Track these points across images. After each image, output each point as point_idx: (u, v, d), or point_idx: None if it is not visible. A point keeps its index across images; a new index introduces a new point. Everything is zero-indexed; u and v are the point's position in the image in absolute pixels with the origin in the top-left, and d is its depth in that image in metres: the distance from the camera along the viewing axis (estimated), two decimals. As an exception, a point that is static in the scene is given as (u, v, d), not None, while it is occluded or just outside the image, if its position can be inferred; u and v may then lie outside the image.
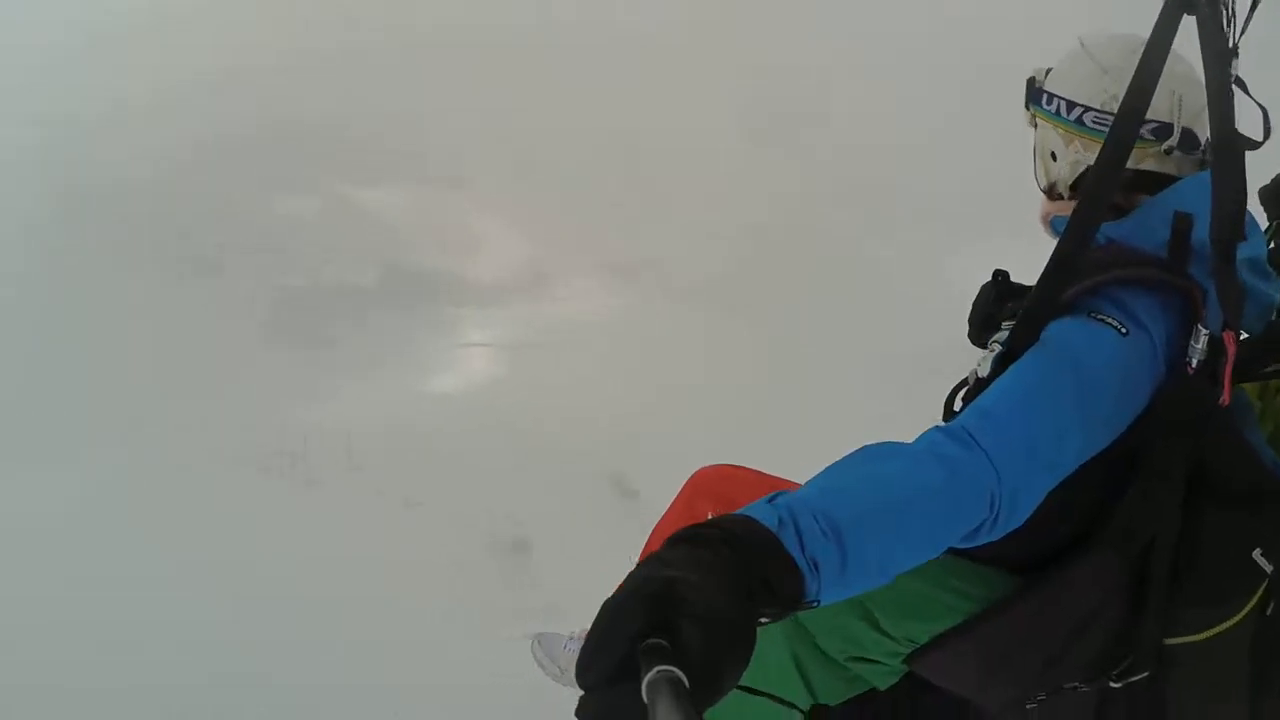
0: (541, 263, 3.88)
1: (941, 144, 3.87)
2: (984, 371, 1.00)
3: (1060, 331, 0.88)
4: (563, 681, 1.85)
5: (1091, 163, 1.05)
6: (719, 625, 0.63)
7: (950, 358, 1.36)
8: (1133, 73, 0.93)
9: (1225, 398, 0.81)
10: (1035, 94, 1.28)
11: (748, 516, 0.74)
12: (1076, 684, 0.90)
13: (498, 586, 2.36)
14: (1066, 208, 1.18)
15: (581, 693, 0.66)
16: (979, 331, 1.23)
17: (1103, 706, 0.93)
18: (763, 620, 0.70)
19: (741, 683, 0.74)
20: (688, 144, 4.23)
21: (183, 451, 2.64)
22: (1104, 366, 0.85)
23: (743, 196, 3.99)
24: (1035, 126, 1.31)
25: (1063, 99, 1.22)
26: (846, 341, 3.17)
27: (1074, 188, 1.21)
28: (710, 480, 1.58)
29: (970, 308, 1.28)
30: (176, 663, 2.00)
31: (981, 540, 0.78)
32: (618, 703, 0.62)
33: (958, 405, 1.09)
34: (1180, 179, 1.08)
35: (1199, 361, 0.83)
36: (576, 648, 1.73)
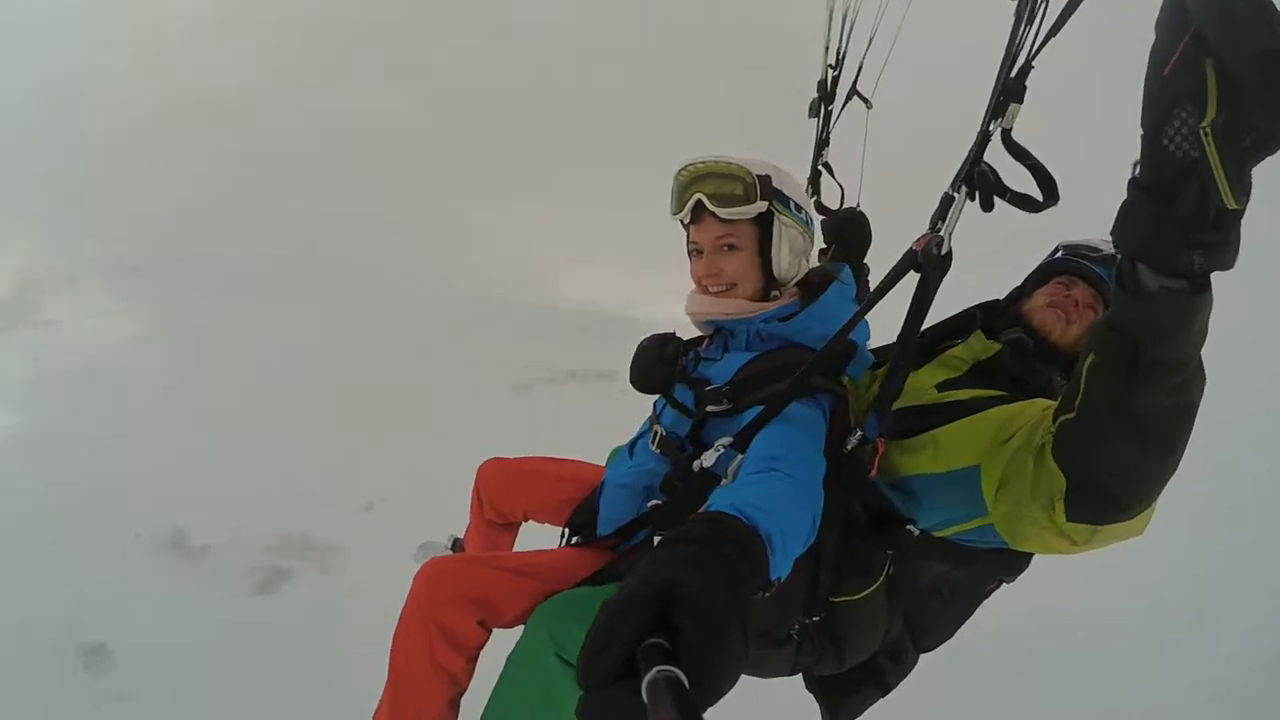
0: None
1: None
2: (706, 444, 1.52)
3: (790, 414, 1.39)
4: None
5: (808, 255, 1.69)
6: (720, 625, 0.74)
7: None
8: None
9: (873, 473, 1.35)
10: (782, 196, 1.59)
11: (720, 511, 0.99)
12: (794, 623, 1.53)
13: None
14: (755, 310, 1.62)
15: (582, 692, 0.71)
16: (650, 382, 1.76)
17: (804, 638, 1.55)
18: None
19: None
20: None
21: None
22: (817, 430, 1.40)
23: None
24: (764, 221, 1.59)
25: (806, 209, 1.63)
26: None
27: (799, 284, 1.68)
28: (491, 472, 2.09)
29: (637, 358, 1.78)
30: None
31: (814, 536, 1.16)
32: (618, 702, 0.69)
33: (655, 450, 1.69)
34: (829, 279, 1.67)
35: (852, 448, 1.37)
36: None
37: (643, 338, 1.79)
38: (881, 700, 1.75)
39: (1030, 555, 1.50)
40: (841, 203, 2.22)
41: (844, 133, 2.15)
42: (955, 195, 1.25)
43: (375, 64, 7.80)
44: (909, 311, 1.32)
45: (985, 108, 1.19)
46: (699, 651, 0.71)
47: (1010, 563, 1.53)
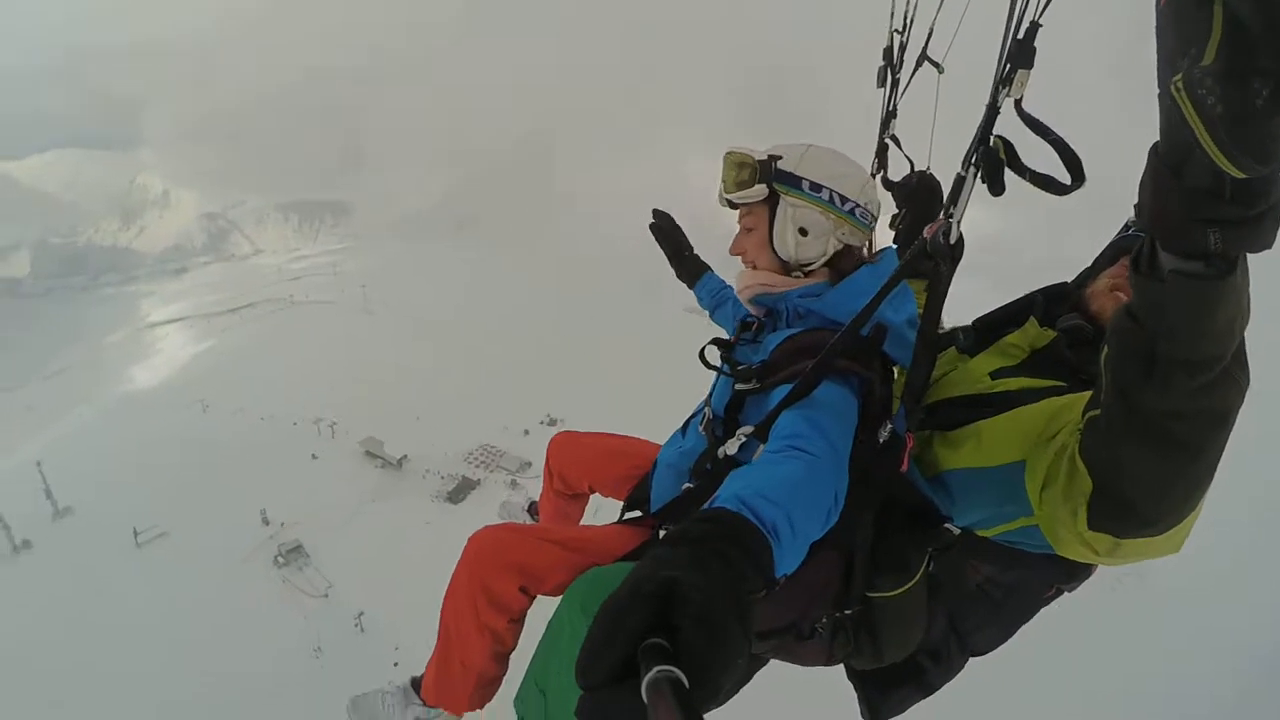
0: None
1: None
2: (718, 408, 1.68)
3: (826, 390, 1.37)
4: None
5: (849, 242, 1.65)
6: (720, 625, 0.73)
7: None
8: (872, 186, 1.64)
9: (904, 467, 1.34)
10: (789, 178, 1.61)
11: (722, 509, 0.99)
12: (823, 616, 1.51)
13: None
14: (785, 282, 1.67)
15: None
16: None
17: (837, 631, 1.53)
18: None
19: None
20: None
21: None
22: (845, 411, 1.36)
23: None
24: (771, 206, 1.63)
25: (835, 191, 1.60)
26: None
27: (829, 264, 1.66)
28: (561, 446, 2.16)
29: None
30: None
31: (834, 519, 1.15)
32: (618, 702, 0.68)
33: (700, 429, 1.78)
34: (862, 262, 1.67)
35: (884, 441, 1.36)
36: (396, 698, 1.85)
37: None
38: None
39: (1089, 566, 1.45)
40: (911, 171, 2.20)
41: (916, 97, 2.05)
42: (965, 175, 1.17)
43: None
44: (925, 304, 1.29)
45: (993, 77, 1.08)
46: (699, 652, 0.71)
47: (1067, 569, 1.45)
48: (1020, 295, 1.66)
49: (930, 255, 1.23)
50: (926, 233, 1.23)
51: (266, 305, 68.91)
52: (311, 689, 23.43)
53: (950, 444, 1.39)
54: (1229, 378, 0.87)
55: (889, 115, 2.13)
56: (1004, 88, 1.08)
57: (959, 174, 1.19)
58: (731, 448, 1.50)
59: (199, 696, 23.13)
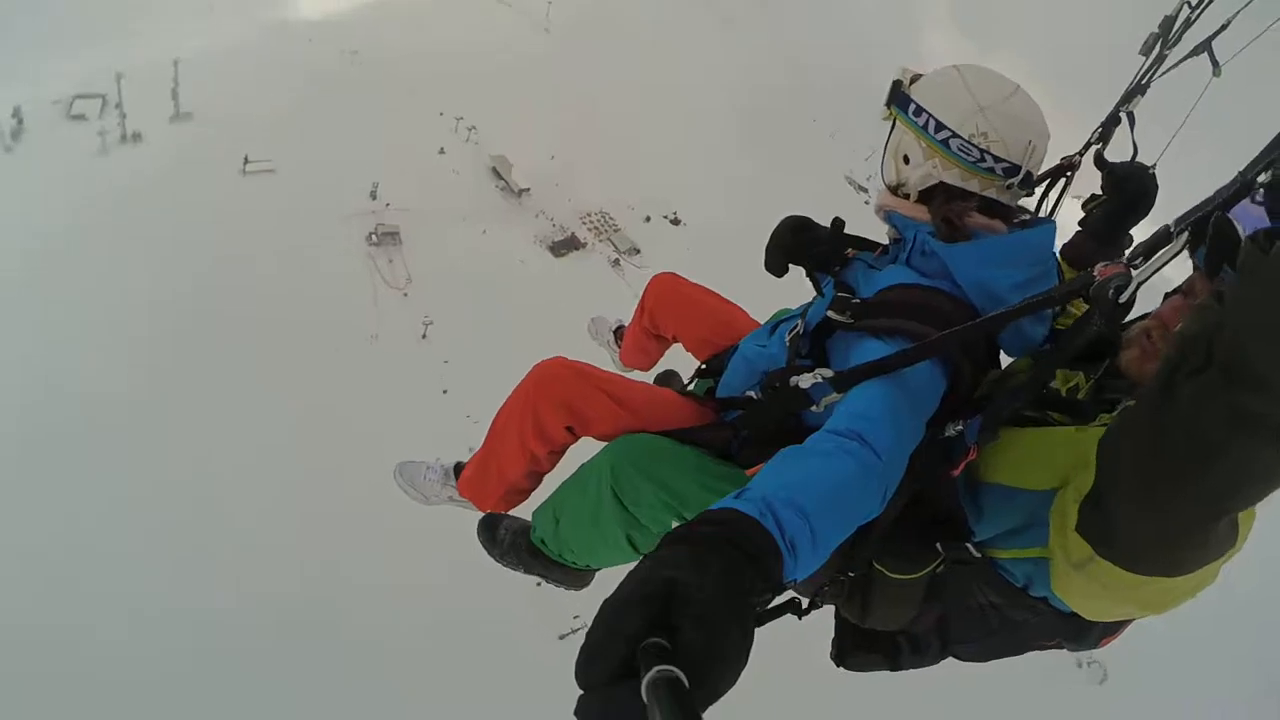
0: None
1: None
2: (811, 320, 1.65)
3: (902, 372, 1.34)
4: (428, 504, 2.18)
5: (944, 179, 1.60)
6: (720, 626, 0.76)
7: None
8: (1005, 118, 1.51)
9: (955, 472, 1.33)
10: (902, 99, 1.63)
11: (734, 510, 0.98)
12: (829, 578, 1.57)
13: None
14: (907, 207, 1.68)
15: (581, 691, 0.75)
16: (782, 262, 1.82)
17: (833, 582, 1.59)
18: (756, 608, 0.87)
19: (588, 564, 1.83)
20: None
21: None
22: (929, 401, 1.35)
23: None
24: (891, 124, 1.68)
25: (932, 116, 1.58)
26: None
27: (922, 196, 1.66)
28: (661, 285, 2.32)
29: (773, 238, 1.83)
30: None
31: (874, 515, 1.19)
32: (618, 702, 0.71)
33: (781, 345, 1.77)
34: (1010, 217, 1.59)
35: (947, 437, 1.34)
36: (436, 476, 2.16)
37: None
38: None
39: (1096, 630, 1.48)
40: (1134, 158, 2.05)
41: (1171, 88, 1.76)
42: (1174, 235, 1.13)
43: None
44: (1056, 346, 1.35)
45: (1257, 156, 1.04)
46: (698, 652, 0.74)
47: (1075, 628, 1.48)
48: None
49: (1089, 299, 1.15)
50: (1099, 273, 1.14)
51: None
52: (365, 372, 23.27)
53: (994, 449, 1.38)
54: (1260, 428, 0.82)
55: (1137, 88, 1.98)
56: (1269, 169, 1.04)
57: (1168, 227, 1.13)
58: (805, 381, 1.51)
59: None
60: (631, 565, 1.29)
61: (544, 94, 46.99)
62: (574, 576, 2.02)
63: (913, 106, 1.60)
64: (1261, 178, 1.05)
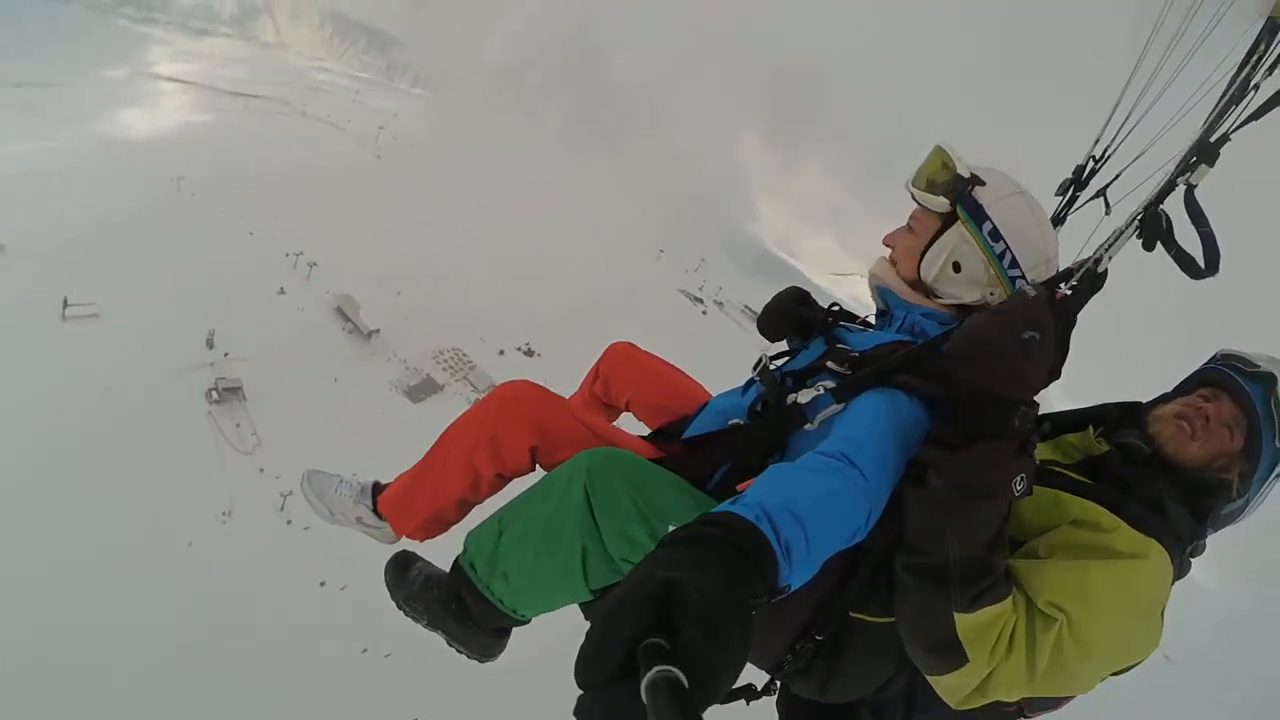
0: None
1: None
2: (804, 399, 1.54)
3: (896, 400, 1.43)
4: (333, 522, 1.98)
5: (990, 303, 1.62)
6: (720, 626, 0.75)
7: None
8: (1053, 267, 1.63)
9: None
10: (975, 208, 1.59)
11: (731, 513, 0.99)
12: (795, 644, 1.54)
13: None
14: (917, 300, 1.70)
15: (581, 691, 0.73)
16: (778, 324, 1.85)
17: (796, 649, 1.54)
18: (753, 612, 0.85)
19: (517, 601, 1.51)
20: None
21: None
22: (913, 434, 1.39)
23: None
24: (943, 220, 1.64)
25: (1011, 251, 1.59)
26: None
27: (958, 307, 1.68)
28: (618, 352, 2.16)
29: (773, 303, 1.86)
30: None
31: (859, 538, 1.20)
32: (617, 701, 0.69)
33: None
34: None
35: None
36: (349, 492, 1.95)
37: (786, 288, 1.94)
38: None
39: (1061, 700, 1.53)
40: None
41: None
42: (1125, 231, 1.44)
43: None
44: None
45: (1178, 160, 1.37)
46: (698, 652, 0.72)
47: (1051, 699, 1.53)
48: (1098, 404, 1.70)
49: (1072, 276, 1.49)
50: (1065, 286, 1.51)
51: (275, 103, 63.40)
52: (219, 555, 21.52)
53: None
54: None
55: (1055, 222, 2.06)
56: (1185, 174, 1.38)
57: (1119, 227, 1.45)
58: (804, 397, 1.53)
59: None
60: (563, 608, 1.45)
61: (382, 222, 46.74)
62: (485, 635, 1.75)
63: (989, 227, 1.55)
64: (1180, 179, 1.38)
